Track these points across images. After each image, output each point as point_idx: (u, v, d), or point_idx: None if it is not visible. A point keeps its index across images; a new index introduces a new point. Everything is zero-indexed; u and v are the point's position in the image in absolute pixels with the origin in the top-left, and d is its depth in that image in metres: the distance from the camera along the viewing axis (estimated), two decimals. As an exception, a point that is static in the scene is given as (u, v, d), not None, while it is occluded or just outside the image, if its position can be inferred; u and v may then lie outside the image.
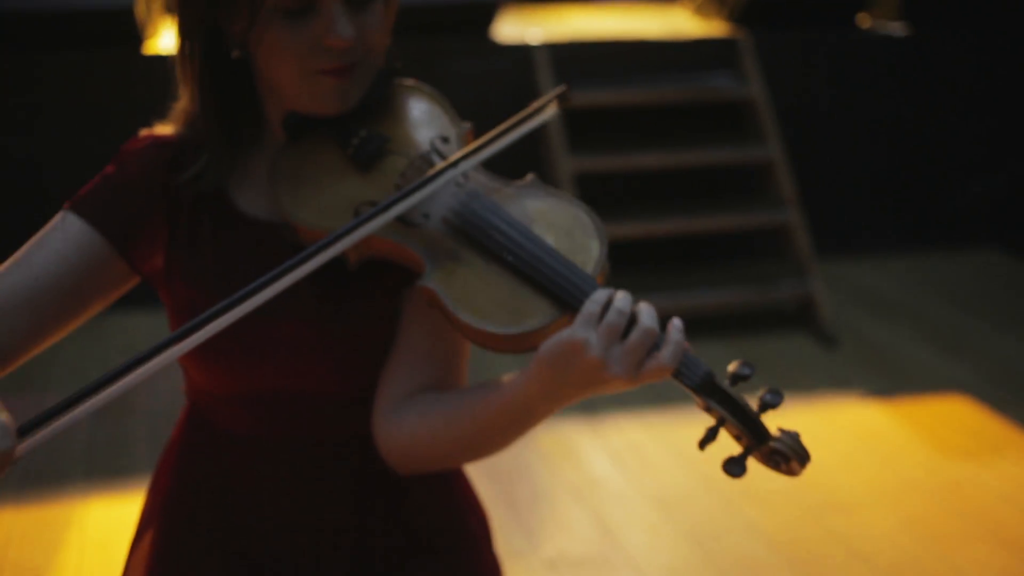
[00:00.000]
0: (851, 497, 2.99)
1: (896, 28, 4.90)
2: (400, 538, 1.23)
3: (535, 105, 1.20)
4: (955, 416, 3.50)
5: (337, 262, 1.07)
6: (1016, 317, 4.34)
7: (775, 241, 4.39)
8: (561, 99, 1.21)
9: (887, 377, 3.78)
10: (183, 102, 1.18)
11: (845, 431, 3.38)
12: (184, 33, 1.14)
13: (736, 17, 4.68)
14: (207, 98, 1.15)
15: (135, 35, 4.09)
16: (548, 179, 4.13)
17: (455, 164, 1.11)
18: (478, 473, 1.42)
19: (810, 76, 4.78)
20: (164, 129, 1.20)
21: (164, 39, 4.36)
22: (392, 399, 1.14)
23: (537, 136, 4.24)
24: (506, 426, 1.07)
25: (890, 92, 4.90)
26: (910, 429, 3.41)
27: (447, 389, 1.16)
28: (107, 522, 2.85)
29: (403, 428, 1.12)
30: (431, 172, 1.10)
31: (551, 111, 1.21)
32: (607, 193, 4.36)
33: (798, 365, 3.88)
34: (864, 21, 4.97)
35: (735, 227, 4.43)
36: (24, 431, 0.91)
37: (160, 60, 4.08)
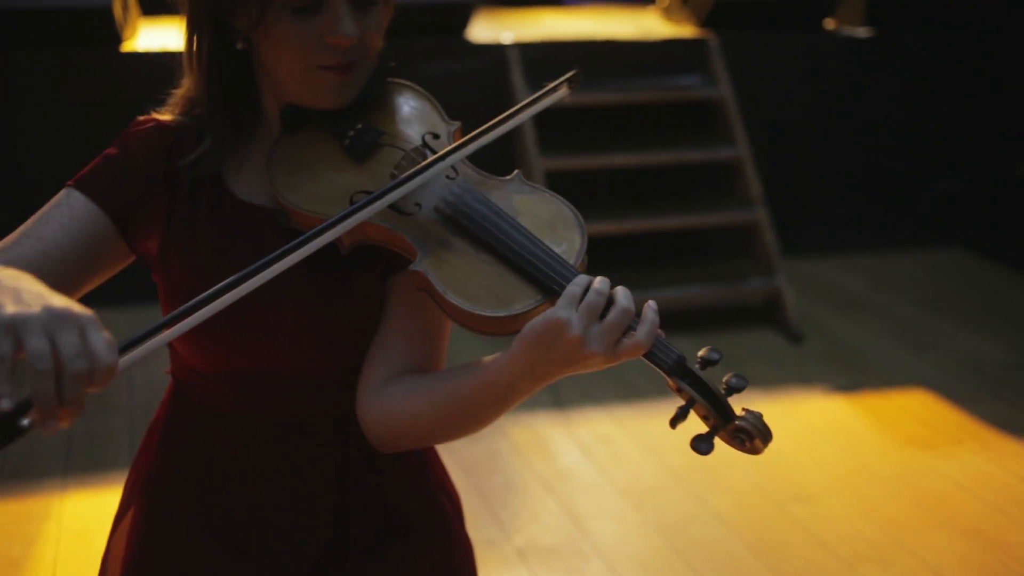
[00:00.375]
0: (815, 487, 3.07)
1: (861, 30, 5.00)
2: (377, 515, 1.29)
3: (544, 90, 1.26)
4: (916, 409, 3.60)
5: (330, 247, 1.13)
6: (977, 314, 4.45)
7: (743, 239, 4.48)
8: (571, 82, 1.28)
9: (851, 371, 3.87)
10: (183, 90, 1.25)
11: (810, 424, 3.46)
12: (192, 25, 1.20)
13: (705, 20, 4.76)
14: (211, 89, 1.21)
15: (114, 33, 4.12)
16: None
17: (449, 154, 1.17)
18: (451, 464, 1.48)
19: (777, 77, 4.87)
20: (163, 115, 1.26)
21: (143, 37, 4.40)
22: (376, 379, 1.20)
23: (510, 136, 4.30)
24: (488, 402, 1.13)
25: (855, 93, 5.00)
26: (872, 422, 3.50)
27: (428, 371, 1.22)
28: (85, 515, 2.89)
29: (387, 407, 1.18)
30: (426, 161, 1.17)
31: (561, 93, 1.27)
32: (578, 192, 4.43)
33: (765, 360, 3.97)
34: (830, 24, 5.07)
35: (704, 225, 4.51)
36: (124, 348, 0.96)
37: (138, 58, 4.15)
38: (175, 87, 1.27)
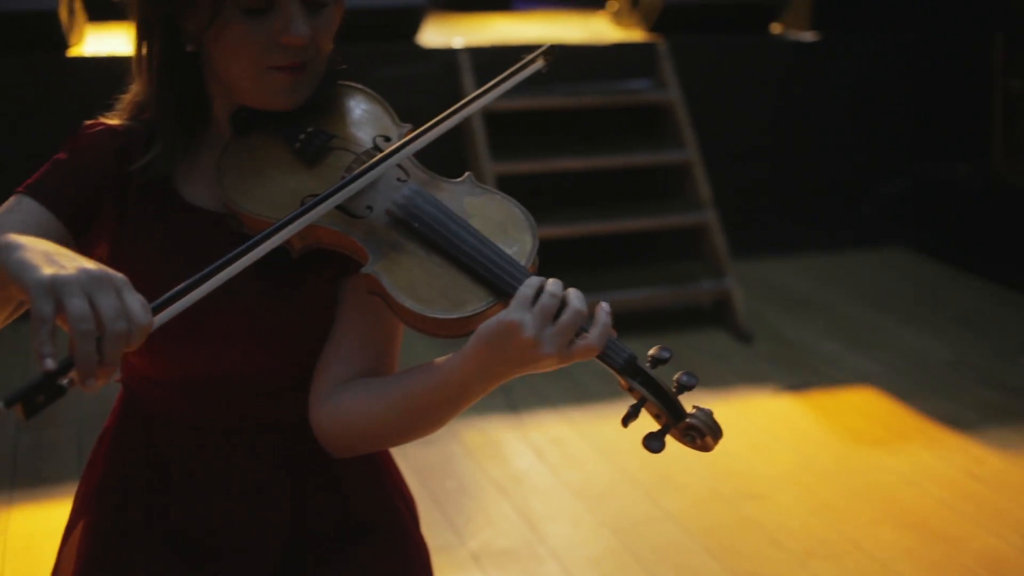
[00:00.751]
0: (765, 485, 3.11)
1: (806, 35, 5.08)
2: (334, 521, 1.29)
3: (517, 66, 1.27)
4: (864, 406, 3.66)
5: (281, 251, 1.12)
6: (921, 311, 4.53)
7: (692, 241, 4.52)
8: (547, 55, 1.28)
9: (800, 371, 3.93)
10: (132, 95, 1.24)
11: (760, 423, 3.51)
12: (142, 29, 1.20)
13: (654, 24, 4.81)
14: (161, 92, 1.20)
15: (60, 38, 4.07)
16: (472, 182, 4.20)
17: (400, 148, 1.17)
18: (404, 469, 1.48)
19: (725, 80, 4.93)
20: (111, 120, 1.25)
21: (90, 42, 4.34)
22: (329, 384, 1.20)
23: (460, 140, 4.32)
24: (442, 404, 1.13)
25: (802, 96, 5.08)
26: (821, 419, 3.55)
27: (381, 374, 1.22)
28: (32, 529, 2.84)
29: (340, 410, 1.18)
30: (375, 159, 1.16)
31: (538, 66, 1.27)
32: (529, 195, 4.39)
33: (715, 360, 4.01)
34: (777, 28, 5.14)
35: (654, 228, 4.55)
36: (157, 308, 0.98)
37: (85, 63, 4.10)
38: (123, 92, 1.26)
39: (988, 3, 5.10)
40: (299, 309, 1.21)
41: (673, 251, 4.69)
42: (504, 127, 4.34)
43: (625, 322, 4.26)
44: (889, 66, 5.18)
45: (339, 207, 1.14)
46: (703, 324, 4.33)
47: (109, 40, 4.32)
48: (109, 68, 1.30)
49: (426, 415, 1.15)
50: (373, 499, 1.33)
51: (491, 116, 4.30)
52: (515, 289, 1.08)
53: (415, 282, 1.12)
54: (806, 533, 2.89)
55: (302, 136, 1.20)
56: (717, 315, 4.36)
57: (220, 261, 1.04)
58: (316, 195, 1.15)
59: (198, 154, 1.25)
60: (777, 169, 5.12)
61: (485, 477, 3.17)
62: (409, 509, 1.38)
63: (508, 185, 4.20)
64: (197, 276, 1.03)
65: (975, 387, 3.79)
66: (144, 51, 1.20)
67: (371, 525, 1.31)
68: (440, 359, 1.14)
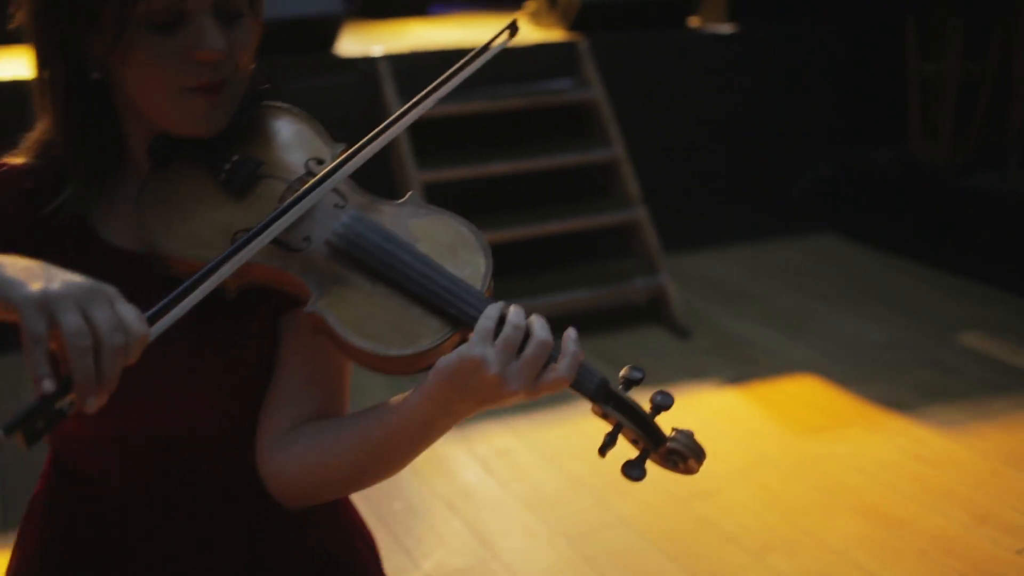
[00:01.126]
0: (716, 483, 3.09)
1: (724, 27, 5.10)
2: (293, 563, 1.20)
3: (485, 44, 1.18)
4: (805, 395, 3.67)
5: (214, 293, 1.02)
6: (853, 296, 4.57)
7: (624, 239, 4.50)
8: (512, 30, 1.20)
9: (739, 363, 3.93)
10: (37, 132, 1.13)
11: (704, 418, 3.49)
12: (42, 57, 1.09)
13: (572, 23, 4.78)
14: (69, 125, 1.10)
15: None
16: (397, 192, 4.13)
17: (334, 170, 1.08)
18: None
19: (647, 76, 4.92)
20: (17, 159, 1.14)
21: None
22: (276, 431, 1.11)
23: (384, 151, 4.23)
24: (403, 446, 1.06)
25: (723, 88, 5.10)
26: (765, 411, 3.55)
27: (331, 416, 1.14)
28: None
29: (291, 460, 1.09)
30: (308, 184, 1.07)
31: (503, 41, 1.20)
32: (457, 203, 4.36)
33: (654, 357, 3.99)
34: (694, 22, 5.16)
35: (585, 228, 4.52)
36: (152, 318, 0.93)
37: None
38: (28, 127, 1.15)
39: (899, -12, 5.20)
40: (238, 356, 1.11)
41: (606, 250, 4.67)
42: (429, 135, 4.27)
43: (562, 325, 4.22)
44: (807, 55, 5.23)
45: (274, 241, 1.05)
46: (640, 322, 4.31)
47: (9, 66, 4.15)
48: (10, 97, 1.20)
49: (387, 458, 1.08)
50: (331, 543, 1.25)
51: (415, 124, 4.20)
52: (472, 317, 1.01)
53: (363, 317, 1.04)
54: (761, 528, 2.87)
55: (227, 165, 1.10)
56: (654, 312, 4.35)
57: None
58: (248, 230, 1.05)
59: (116, 190, 1.14)
60: (703, 161, 5.14)
61: (433, 495, 3.09)
62: (368, 547, 1.31)
63: (436, 193, 4.13)
64: None
65: (911, 368, 3.83)
66: (46, 81, 1.09)
67: (331, 566, 1.24)
68: (398, 398, 1.06)
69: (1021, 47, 4.78)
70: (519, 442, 3.37)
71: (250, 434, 1.14)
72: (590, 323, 4.27)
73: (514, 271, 4.34)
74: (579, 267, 4.51)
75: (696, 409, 3.57)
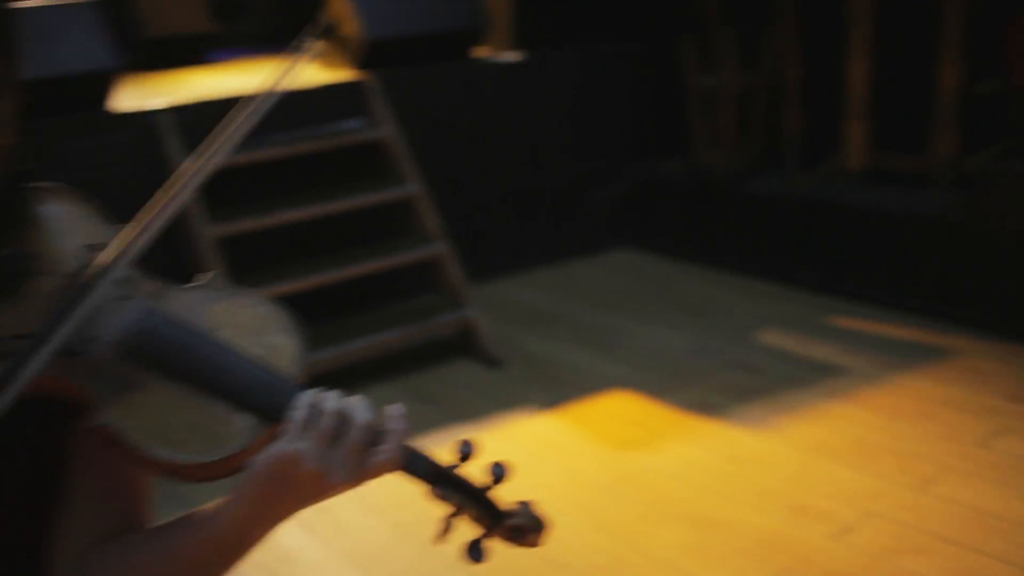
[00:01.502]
0: (542, 509, 3.08)
1: (511, 55, 5.19)
2: None
3: (296, 51, 1.11)
4: (619, 411, 3.73)
5: None
6: (656, 307, 4.71)
7: (428, 275, 4.48)
8: (326, 32, 1.13)
9: (552, 386, 3.96)
10: None
11: (523, 445, 3.50)
12: None
13: (360, 62, 4.74)
14: None
15: None
16: (188, 251, 3.97)
17: (117, 260, 0.97)
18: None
19: (439, 109, 4.94)
20: None
21: None
22: (72, 556, 1.00)
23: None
24: (221, 559, 0.97)
25: (513, 115, 5.18)
26: (581, 431, 3.59)
27: (133, 530, 1.03)
28: None
29: None
30: (87, 278, 0.95)
31: (315, 49, 1.13)
32: (254, 255, 4.26)
33: (467, 391, 3.98)
34: (481, 52, 5.22)
35: (388, 268, 4.47)
36: None
37: None
38: None
39: (674, 7, 5.43)
40: (18, 478, 1.00)
41: (411, 288, 4.64)
42: (218, 187, 4.13)
43: (373, 368, 4.18)
44: (593, 77, 5.39)
45: None
46: (451, 356, 4.30)
47: None
48: None
49: (202, 574, 0.98)
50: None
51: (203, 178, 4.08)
52: (282, 409, 0.94)
53: (162, 424, 0.94)
54: (590, 549, 2.89)
55: None
56: (463, 344, 4.34)
57: None
58: (20, 336, 0.93)
59: None
60: (500, 189, 5.19)
61: (251, 566, 2.95)
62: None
63: (231, 246, 4.00)
64: None
65: (718, 371, 3.96)
66: None
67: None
68: (208, 507, 0.97)
69: (790, 56, 5.08)
70: (338, 497, 3.27)
71: (37, 566, 1.02)
72: (401, 363, 4.22)
73: (321, 318, 4.25)
74: (386, 307, 4.45)
75: (515, 438, 3.57)
